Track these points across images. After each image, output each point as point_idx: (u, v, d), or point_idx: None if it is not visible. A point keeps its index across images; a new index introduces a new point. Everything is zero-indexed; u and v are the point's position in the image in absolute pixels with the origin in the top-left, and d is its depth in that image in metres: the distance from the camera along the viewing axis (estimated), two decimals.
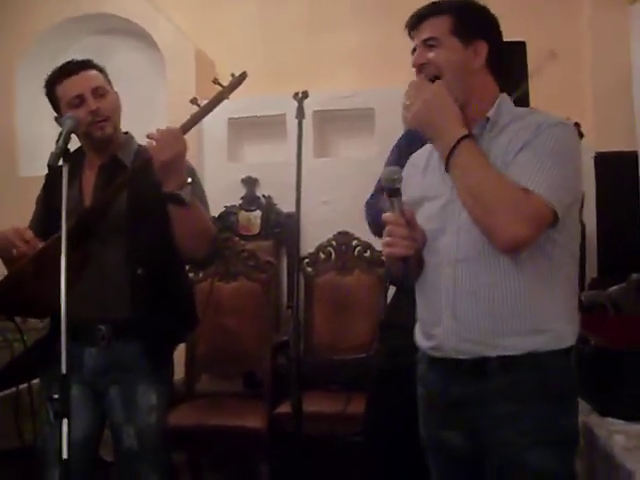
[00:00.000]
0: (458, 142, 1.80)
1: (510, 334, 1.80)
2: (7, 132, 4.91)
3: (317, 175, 4.40)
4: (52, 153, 2.13)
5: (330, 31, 4.71)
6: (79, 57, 2.57)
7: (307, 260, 4.14)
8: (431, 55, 1.90)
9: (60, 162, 2.12)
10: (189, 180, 2.29)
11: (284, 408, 3.49)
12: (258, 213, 4.71)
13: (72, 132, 2.26)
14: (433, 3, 1.97)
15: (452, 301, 1.86)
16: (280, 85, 4.42)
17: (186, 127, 2.33)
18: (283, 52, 4.76)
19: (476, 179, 1.77)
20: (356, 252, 4.06)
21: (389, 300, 3.14)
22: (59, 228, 2.35)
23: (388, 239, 1.86)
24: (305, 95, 2.55)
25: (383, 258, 2.83)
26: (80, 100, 2.45)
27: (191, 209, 2.30)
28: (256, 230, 4.69)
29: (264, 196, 4.71)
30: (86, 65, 2.51)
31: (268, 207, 4.69)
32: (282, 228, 4.65)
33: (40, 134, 4.92)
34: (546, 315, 1.81)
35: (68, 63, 2.53)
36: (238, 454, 3.77)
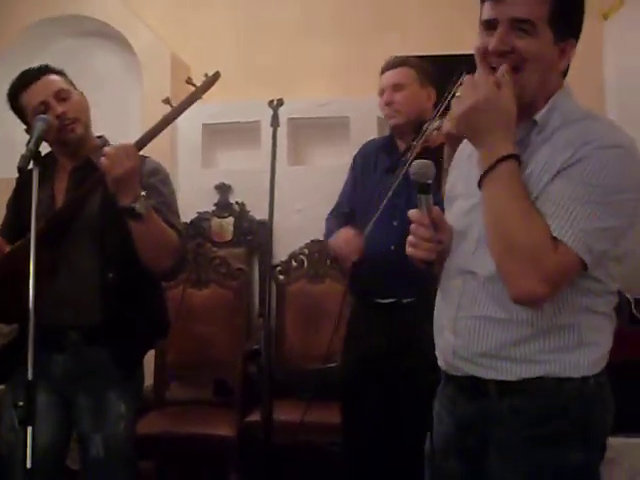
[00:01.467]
0: (499, 161, 1.58)
1: (509, 360, 1.66)
2: None
3: (291, 183, 4.38)
4: (22, 155, 2.12)
5: (307, 39, 4.71)
6: (52, 60, 2.57)
7: (279, 268, 4.13)
8: (520, 43, 1.61)
9: (30, 165, 2.10)
10: (143, 193, 2.28)
11: (254, 416, 3.47)
12: (231, 220, 4.68)
13: (43, 134, 2.24)
14: None
15: (455, 315, 1.74)
16: (255, 91, 4.41)
17: (145, 138, 2.35)
18: (259, 58, 4.75)
19: (505, 210, 1.57)
20: (328, 261, 4.05)
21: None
22: (27, 231, 2.34)
23: (411, 239, 1.72)
24: (280, 103, 2.55)
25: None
26: (45, 106, 2.44)
27: (147, 222, 2.29)
28: (229, 237, 4.66)
29: (237, 203, 4.68)
30: (44, 71, 2.51)
31: (241, 214, 4.66)
32: (255, 235, 4.62)
33: (13, 135, 4.86)
34: (557, 344, 1.64)
35: (26, 72, 2.54)
36: (207, 463, 3.74)
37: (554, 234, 1.54)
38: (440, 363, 1.82)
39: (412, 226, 1.72)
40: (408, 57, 3.06)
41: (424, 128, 2.76)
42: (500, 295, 1.64)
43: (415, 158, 2.76)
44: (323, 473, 3.52)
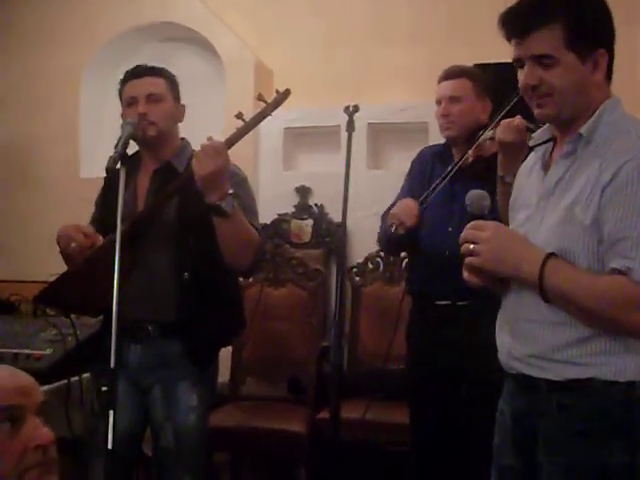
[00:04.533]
0: (542, 269, 1.68)
1: (558, 361, 1.74)
2: (71, 135, 5.06)
3: (369, 186, 4.43)
4: (110, 157, 2.23)
5: (387, 45, 4.74)
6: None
7: (355, 270, 4.18)
8: (546, 76, 1.71)
9: (118, 166, 2.21)
10: (230, 191, 2.34)
11: (325, 414, 3.54)
12: (310, 222, 4.75)
13: (131, 137, 2.35)
14: (539, 6, 1.71)
15: (512, 318, 1.84)
16: (336, 96, 4.46)
17: (231, 141, 2.40)
18: (340, 64, 4.80)
19: (577, 297, 1.67)
20: (403, 264, 4.07)
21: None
22: (113, 229, 2.45)
23: (467, 260, 1.80)
24: (356, 109, 2.59)
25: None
26: (134, 102, 2.55)
27: (233, 220, 2.35)
28: (307, 238, 4.73)
29: (316, 205, 4.76)
30: (151, 71, 2.61)
31: (320, 216, 4.73)
32: (332, 237, 4.69)
33: (101, 138, 5.06)
34: (603, 348, 1.70)
35: (137, 67, 2.64)
36: (278, 457, 3.82)
37: (618, 267, 1.63)
38: (500, 360, 1.90)
39: (463, 247, 1.79)
40: (465, 67, 3.05)
41: (477, 137, 2.80)
42: None
43: (468, 168, 2.81)
44: (389, 472, 3.56)
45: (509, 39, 1.76)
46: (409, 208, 2.85)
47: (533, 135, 1.94)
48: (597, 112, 1.73)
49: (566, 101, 1.72)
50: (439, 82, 3.04)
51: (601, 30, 1.73)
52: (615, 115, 1.75)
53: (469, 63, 3.21)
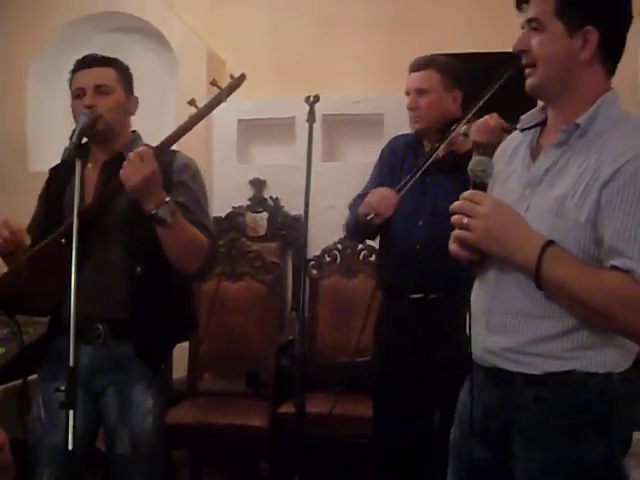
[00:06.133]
0: (540, 256, 1.62)
1: (535, 355, 1.71)
2: (18, 128, 4.94)
3: (325, 179, 4.42)
4: (65, 148, 2.15)
5: (341, 36, 4.74)
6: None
7: (312, 263, 4.15)
8: (533, 41, 1.69)
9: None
10: (167, 199, 2.26)
11: (286, 408, 3.52)
12: (265, 215, 4.73)
13: (87, 128, 2.28)
14: None
15: (488, 310, 1.79)
16: (290, 88, 4.45)
17: (167, 143, 2.34)
18: (294, 55, 4.78)
19: (576, 288, 1.62)
20: (361, 256, 4.08)
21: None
22: (57, 225, 2.37)
23: (457, 233, 1.72)
24: (317, 99, 2.56)
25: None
26: (82, 93, 2.46)
27: (174, 228, 2.28)
28: (263, 231, 4.71)
29: (272, 198, 4.74)
30: (101, 62, 2.51)
31: (275, 209, 4.72)
32: (288, 230, 4.68)
33: (50, 131, 4.96)
34: (583, 341, 1.68)
35: (86, 56, 2.54)
36: (239, 453, 3.79)
37: (619, 266, 1.59)
38: (472, 351, 1.84)
39: (455, 217, 1.71)
40: (434, 57, 2.98)
41: (450, 131, 2.78)
42: (534, 291, 1.67)
43: (439, 162, 2.80)
44: (352, 464, 3.55)
45: (519, 7, 1.74)
46: (387, 199, 2.80)
47: (522, 117, 1.88)
48: (596, 104, 1.69)
49: (549, 72, 1.69)
50: (408, 73, 3.00)
51: (595, 7, 1.67)
52: (613, 110, 1.71)
53: (425, 53, 3.19)
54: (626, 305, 1.59)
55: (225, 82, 2.38)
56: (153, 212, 2.24)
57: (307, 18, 4.82)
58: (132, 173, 2.22)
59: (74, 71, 2.52)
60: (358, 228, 2.94)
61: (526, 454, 1.74)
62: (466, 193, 1.70)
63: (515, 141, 1.90)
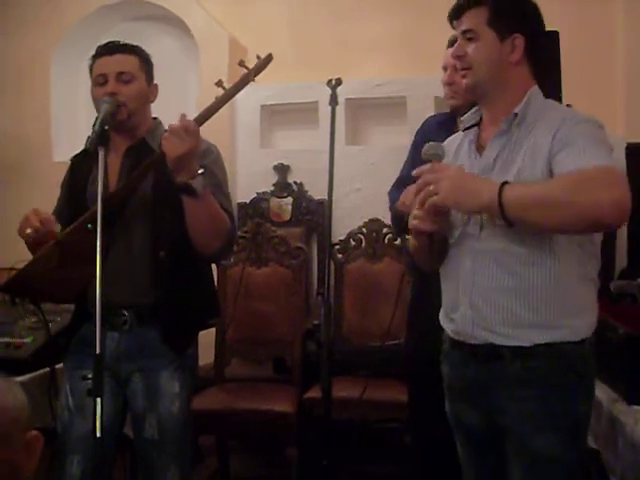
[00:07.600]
0: (501, 187, 1.75)
1: (523, 327, 1.86)
2: (43, 119, 4.98)
3: (349, 162, 4.42)
4: (89, 137, 2.15)
5: (361, 19, 4.72)
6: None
7: (338, 247, 4.14)
8: (468, 48, 1.95)
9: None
10: (200, 171, 2.27)
11: (313, 393, 3.52)
12: (289, 200, 4.73)
13: (110, 115, 2.28)
14: None
15: (470, 291, 1.93)
16: (312, 73, 4.43)
17: (202, 118, 2.31)
18: (314, 40, 4.77)
19: (537, 193, 1.75)
20: (386, 239, 4.05)
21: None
22: (81, 214, 2.37)
23: (417, 212, 1.89)
24: (339, 82, 2.54)
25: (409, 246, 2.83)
26: (104, 80, 2.46)
27: (202, 201, 2.28)
28: (287, 217, 4.71)
29: (295, 183, 4.73)
30: (124, 49, 2.48)
31: (299, 194, 4.71)
32: (313, 215, 4.68)
33: (74, 121, 4.99)
34: (561, 311, 1.86)
35: (109, 43, 2.51)
36: (266, 438, 3.80)
37: (585, 166, 1.73)
38: (452, 334, 2.03)
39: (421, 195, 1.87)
40: None
41: None
42: (512, 264, 1.87)
43: None
44: (381, 449, 3.56)
45: (453, 25, 2.01)
46: None
47: (462, 118, 2.14)
48: (527, 95, 1.95)
49: (482, 73, 1.94)
50: (447, 48, 2.92)
51: (520, 17, 1.95)
52: (540, 100, 1.98)
53: (445, 35, 3.15)
54: (604, 183, 1.68)
55: (244, 70, 2.37)
56: (187, 182, 2.25)
57: (327, 2, 4.79)
58: (177, 144, 2.21)
59: (95, 57, 2.50)
60: (401, 226, 2.92)
61: (519, 419, 1.88)
62: (426, 166, 1.89)
63: (456, 141, 2.12)
